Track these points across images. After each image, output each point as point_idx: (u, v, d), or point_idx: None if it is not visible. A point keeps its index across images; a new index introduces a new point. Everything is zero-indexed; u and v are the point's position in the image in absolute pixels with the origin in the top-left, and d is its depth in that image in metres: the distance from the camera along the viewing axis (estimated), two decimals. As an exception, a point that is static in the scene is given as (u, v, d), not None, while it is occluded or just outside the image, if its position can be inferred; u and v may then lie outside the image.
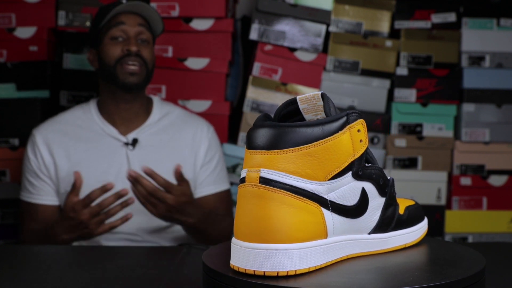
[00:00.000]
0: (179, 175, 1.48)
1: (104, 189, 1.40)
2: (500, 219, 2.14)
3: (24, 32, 2.03)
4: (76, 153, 1.60)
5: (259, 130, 0.63)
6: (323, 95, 0.67)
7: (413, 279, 0.63)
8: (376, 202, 0.70)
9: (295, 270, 0.63)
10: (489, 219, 2.13)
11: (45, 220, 1.61)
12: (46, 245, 1.47)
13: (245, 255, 0.63)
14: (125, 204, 1.43)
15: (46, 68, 2.04)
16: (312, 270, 0.64)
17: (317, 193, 0.64)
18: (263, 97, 2.07)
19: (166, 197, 1.43)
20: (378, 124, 2.10)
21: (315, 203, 0.64)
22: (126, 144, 1.62)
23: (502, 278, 0.85)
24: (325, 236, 0.65)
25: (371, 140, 2.11)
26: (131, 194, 1.44)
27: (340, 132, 0.64)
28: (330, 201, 0.65)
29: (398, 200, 0.76)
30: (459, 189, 2.13)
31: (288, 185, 0.63)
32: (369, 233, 0.70)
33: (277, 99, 2.07)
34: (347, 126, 0.65)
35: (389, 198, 0.71)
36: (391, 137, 2.11)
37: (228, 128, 2.07)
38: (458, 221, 2.13)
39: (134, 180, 1.41)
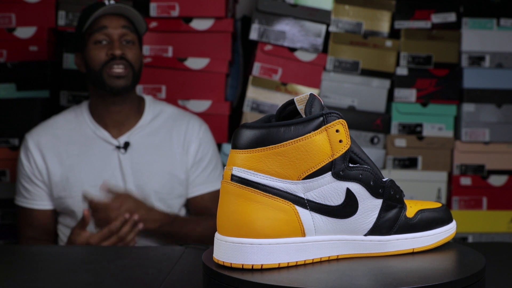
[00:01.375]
0: (106, 190, 1.46)
1: (124, 221, 1.39)
2: (500, 219, 2.14)
3: (24, 32, 2.03)
4: (69, 157, 1.59)
5: (238, 131, 0.66)
6: (310, 96, 0.68)
7: (412, 279, 0.63)
8: (370, 204, 0.69)
9: (261, 265, 0.65)
10: (489, 219, 2.13)
11: (40, 225, 1.61)
12: (46, 245, 1.47)
13: (219, 248, 0.67)
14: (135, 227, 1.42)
15: (46, 68, 2.04)
16: (284, 266, 0.65)
17: (290, 192, 0.65)
18: (263, 97, 2.07)
19: (109, 218, 1.42)
20: (378, 124, 2.10)
21: (287, 201, 0.65)
22: (118, 147, 1.60)
23: (502, 278, 0.85)
24: (302, 234, 0.66)
25: (371, 140, 2.11)
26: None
27: (313, 132, 0.65)
28: (308, 200, 0.66)
29: (418, 202, 0.75)
30: (459, 189, 2.13)
31: (256, 182, 0.65)
32: (365, 235, 0.70)
33: (277, 99, 2.06)
34: (323, 127, 0.65)
35: (387, 200, 0.71)
36: (391, 137, 2.11)
37: (228, 128, 2.07)
38: (458, 221, 2.10)
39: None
